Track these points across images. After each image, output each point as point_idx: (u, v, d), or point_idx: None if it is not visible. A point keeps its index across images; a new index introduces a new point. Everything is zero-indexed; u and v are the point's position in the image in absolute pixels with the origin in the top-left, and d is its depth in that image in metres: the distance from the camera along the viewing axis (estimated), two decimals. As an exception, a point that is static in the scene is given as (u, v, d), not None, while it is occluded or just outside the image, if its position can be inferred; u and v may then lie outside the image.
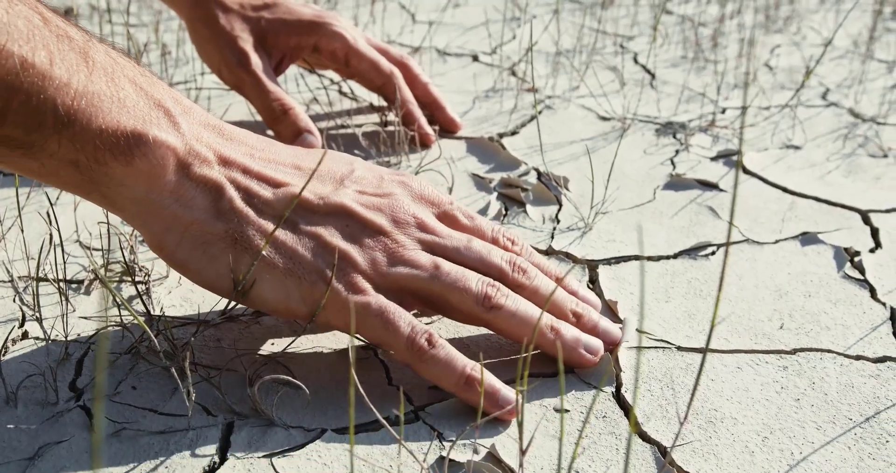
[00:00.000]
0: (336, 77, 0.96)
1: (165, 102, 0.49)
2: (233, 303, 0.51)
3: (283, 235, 0.50)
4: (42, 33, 0.44)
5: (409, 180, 0.56)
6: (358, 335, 0.51)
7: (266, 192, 0.50)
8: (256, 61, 0.77)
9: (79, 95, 0.45)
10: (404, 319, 0.49)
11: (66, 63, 0.45)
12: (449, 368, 0.49)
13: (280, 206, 0.50)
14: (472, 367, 0.49)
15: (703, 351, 0.37)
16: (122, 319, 0.54)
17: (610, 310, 0.59)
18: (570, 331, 0.52)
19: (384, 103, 0.86)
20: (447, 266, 0.51)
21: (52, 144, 0.45)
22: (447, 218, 0.55)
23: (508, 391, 0.49)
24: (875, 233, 0.69)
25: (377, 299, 0.49)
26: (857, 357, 0.55)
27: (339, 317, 0.49)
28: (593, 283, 0.62)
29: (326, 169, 0.54)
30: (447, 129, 0.84)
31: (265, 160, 0.52)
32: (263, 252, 0.49)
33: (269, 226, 0.49)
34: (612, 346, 0.54)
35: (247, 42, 0.78)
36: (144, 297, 0.58)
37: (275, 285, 0.49)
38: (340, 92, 0.92)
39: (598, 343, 0.53)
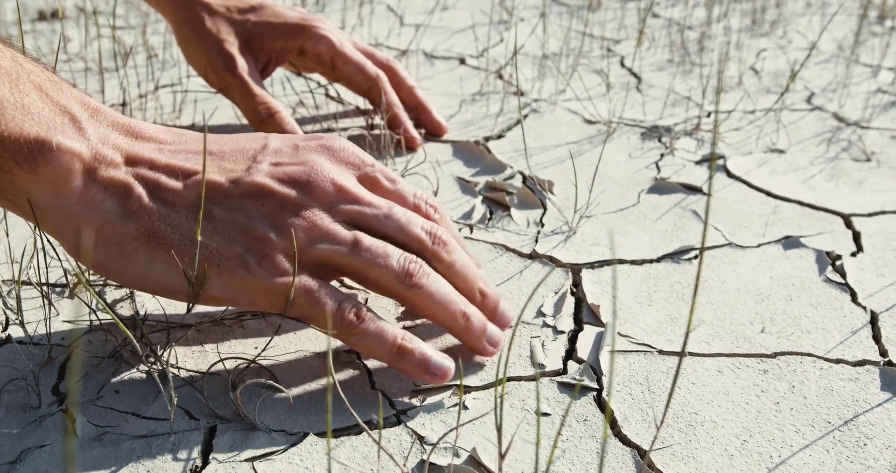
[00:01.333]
0: (322, 80, 0.96)
1: (71, 107, 0.48)
2: (222, 308, 0.51)
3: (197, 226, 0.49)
4: None
5: (327, 142, 0.55)
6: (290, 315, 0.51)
7: (176, 183, 0.50)
8: (242, 65, 0.77)
9: None
10: (331, 295, 0.49)
11: None
12: (380, 340, 0.50)
13: (191, 195, 0.50)
14: (402, 337, 0.50)
15: (681, 355, 0.38)
16: (102, 323, 0.54)
17: (593, 314, 0.59)
18: (478, 318, 0.53)
19: (370, 107, 0.87)
20: (367, 241, 0.51)
21: None
22: (369, 181, 0.54)
23: (441, 358, 0.50)
24: (857, 237, 0.70)
25: (300, 279, 0.49)
26: (837, 361, 0.55)
27: (264, 300, 0.49)
28: (577, 286, 0.62)
29: (238, 148, 0.53)
30: (433, 132, 0.85)
31: (175, 152, 0.51)
32: (178, 244, 0.48)
33: (180, 217, 0.49)
34: (505, 328, 0.55)
35: (233, 45, 0.78)
36: (127, 300, 0.58)
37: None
38: (327, 95, 0.92)
39: (500, 336, 0.54)
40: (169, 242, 0.48)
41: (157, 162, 0.50)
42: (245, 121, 0.83)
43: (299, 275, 0.49)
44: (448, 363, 0.50)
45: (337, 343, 0.55)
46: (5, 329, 0.55)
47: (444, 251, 0.53)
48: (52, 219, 0.48)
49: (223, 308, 0.58)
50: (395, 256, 0.51)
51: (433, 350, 0.50)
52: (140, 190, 0.49)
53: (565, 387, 0.52)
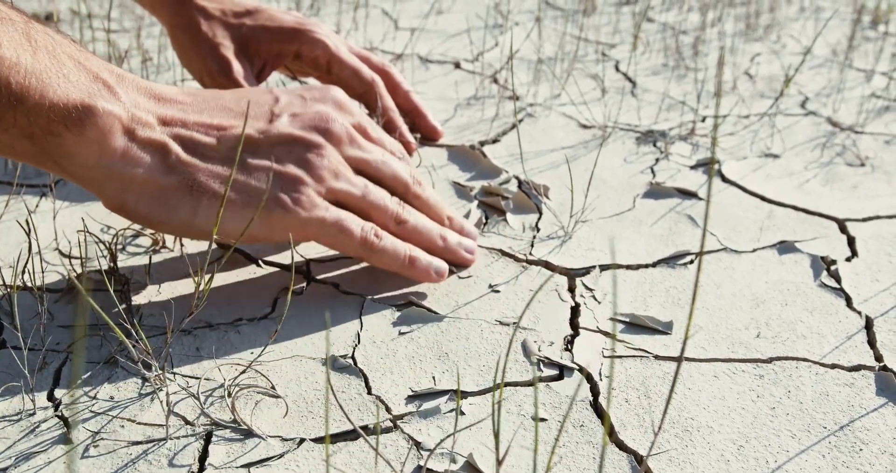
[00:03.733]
0: (317, 85, 0.96)
1: (103, 74, 0.52)
2: (197, 301, 0.51)
3: (235, 173, 0.54)
4: None
5: (326, 92, 0.63)
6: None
7: (209, 138, 0.55)
8: (238, 69, 0.77)
9: (28, 72, 0.48)
10: (355, 222, 0.58)
11: (12, 44, 0.48)
12: (395, 254, 0.59)
13: (223, 147, 0.55)
14: (410, 249, 0.60)
15: (678, 360, 0.38)
16: (100, 328, 0.54)
17: (589, 319, 0.59)
18: (453, 237, 0.64)
19: (365, 111, 0.86)
20: (372, 187, 0.60)
21: (7, 119, 0.48)
22: (359, 128, 0.62)
23: (440, 263, 0.61)
24: (851, 242, 0.70)
25: (329, 211, 0.57)
26: (833, 366, 0.56)
27: (299, 233, 0.57)
28: (572, 291, 0.62)
29: (255, 103, 0.59)
30: (429, 137, 0.85)
31: (199, 111, 0.56)
32: (219, 192, 0.54)
33: (218, 168, 0.55)
34: (475, 239, 0.66)
35: (228, 49, 0.78)
36: (122, 305, 0.58)
37: (236, 218, 0.54)
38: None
39: (473, 246, 0.65)
40: (210, 189, 0.54)
41: (187, 121, 0.55)
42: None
43: (327, 208, 0.57)
44: (445, 265, 0.61)
45: (334, 349, 0.55)
46: (0, 334, 0.55)
47: (421, 190, 0.63)
48: (98, 178, 0.52)
49: (222, 316, 0.58)
50: (390, 202, 0.60)
51: (433, 258, 0.61)
52: (177, 147, 0.54)
53: (562, 392, 0.52)
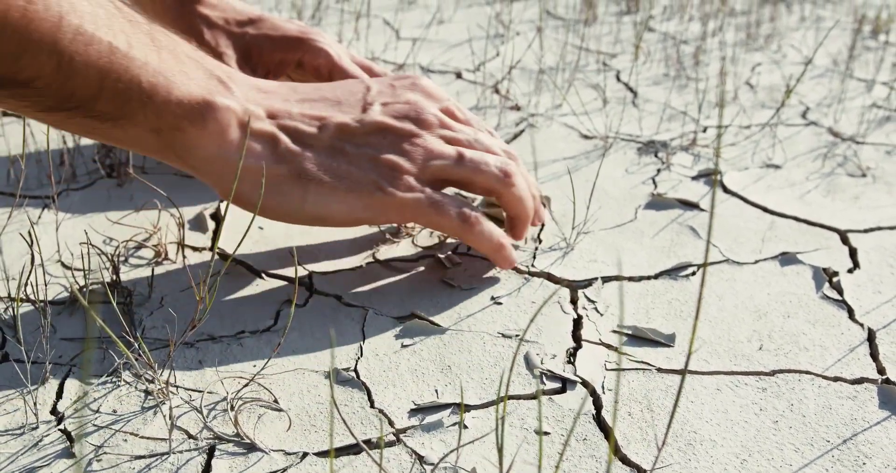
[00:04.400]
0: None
1: (216, 71, 0.57)
2: (199, 314, 0.51)
3: (337, 160, 0.59)
4: (118, 20, 0.51)
5: (416, 81, 0.65)
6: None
7: (311, 128, 0.59)
8: None
9: (156, 71, 0.52)
10: (452, 202, 0.60)
11: (141, 45, 0.52)
12: (489, 236, 0.62)
13: (325, 136, 0.59)
14: (501, 235, 0.62)
15: (682, 373, 0.38)
16: (102, 340, 0.54)
17: (592, 331, 0.59)
18: (539, 206, 0.67)
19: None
20: (468, 153, 0.62)
21: (137, 115, 0.52)
22: (448, 112, 0.65)
23: (515, 253, 0.64)
24: (853, 253, 0.70)
25: (425, 193, 0.60)
26: (835, 379, 0.56)
27: (399, 215, 0.60)
28: (575, 303, 0.62)
29: (348, 93, 0.63)
30: (430, 147, 0.85)
31: (301, 102, 0.61)
32: (325, 178, 0.58)
33: (322, 156, 0.58)
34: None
35: (231, 59, 0.78)
36: (125, 318, 0.58)
37: (340, 203, 0.58)
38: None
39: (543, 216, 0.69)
40: (316, 177, 0.58)
41: (292, 112, 0.59)
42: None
43: (423, 190, 0.59)
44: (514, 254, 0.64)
45: (337, 362, 0.55)
46: (2, 347, 0.55)
47: (516, 165, 0.64)
48: (216, 170, 0.56)
49: (224, 328, 0.58)
50: (493, 161, 0.62)
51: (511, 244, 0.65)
52: (284, 137, 0.58)
53: (565, 405, 0.52)
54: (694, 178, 0.81)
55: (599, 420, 0.51)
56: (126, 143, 0.55)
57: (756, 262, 0.68)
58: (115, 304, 0.50)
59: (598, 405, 0.53)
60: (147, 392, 0.52)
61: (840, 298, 0.64)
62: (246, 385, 0.52)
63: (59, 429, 0.49)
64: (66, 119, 0.52)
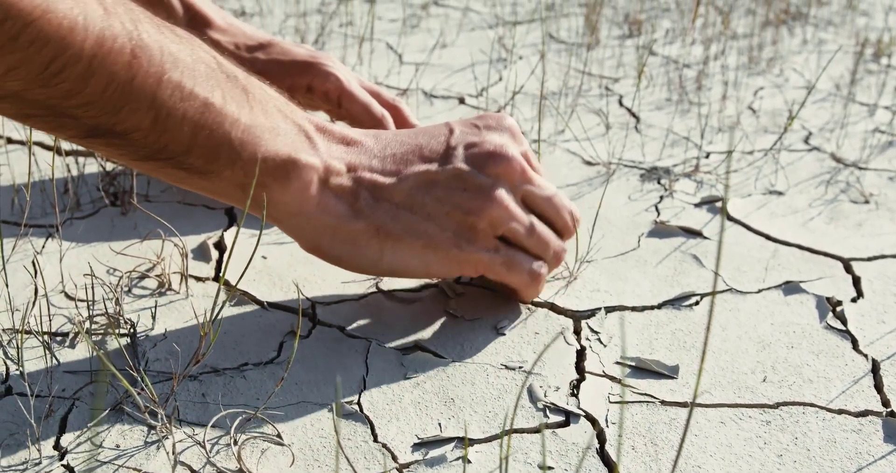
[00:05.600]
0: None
1: (305, 126, 0.57)
2: (203, 350, 0.51)
3: (415, 214, 0.59)
4: (216, 75, 0.52)
5: (500, 120, 0.64)
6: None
7: (390, 180, 0.59)
8: None
9: (246, 128, 0.53)
10: (524, 261, 0.61)
11: (234, 100, 0.52)
12: (540, 287, 0.63)
13: (406, 187, 0.59)
14: (543, 274, 0.63)
15: (690, 407, 0.38)
16: (105, 374, 0.54)
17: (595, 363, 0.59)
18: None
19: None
20: (538, 228, 0.62)
21: (225, 171, 0.53)
22: (527, 157, 0.63)
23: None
24: (857, 282, 0.70)
25: (500, 252, 0.60)
26: (840, 411, 0.55)
27: (473, 270, 0.61)
28: (578, 334, 0.62)
29: (431, 137, 0.62)
30: (434, 174, 0.85)
31: (382, 152, 0.60)
32: (402, 234, 0.59)
33: (399, 211, 0.59)
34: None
35: None
36: (128, 350, 0.58)
37: (417, 258, 0.59)
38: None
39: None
40: (394, 233, 0.58)
41: (373, 167, 0.59)
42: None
43: (497, 248, 0.60)
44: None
45: (341, 395, 0.55)
46: (5, 380, 0.55)
47: (576, 226, 0.65)
48: (298, 224, 0.57)
49: (228, 361, 0.58)
50: (553, 244, 0.63)
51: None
52: (364, 193, 0.58)
53: (568, 439, 0.52)
54: (697, 205, 0.81)
55: (603, 455, 0.51)
56: (214, 193, 0.56)
57: (759, 291, 0.68)
58: (117, 339, 0.50)
59: (601, 438, 0.52)
60: (150, 426, 0.52)
61: (844, 328, 0.64)
62: (249, 420, 0.52)
63: (62, 464, 0.49)
64: (158, 168, 0.53)
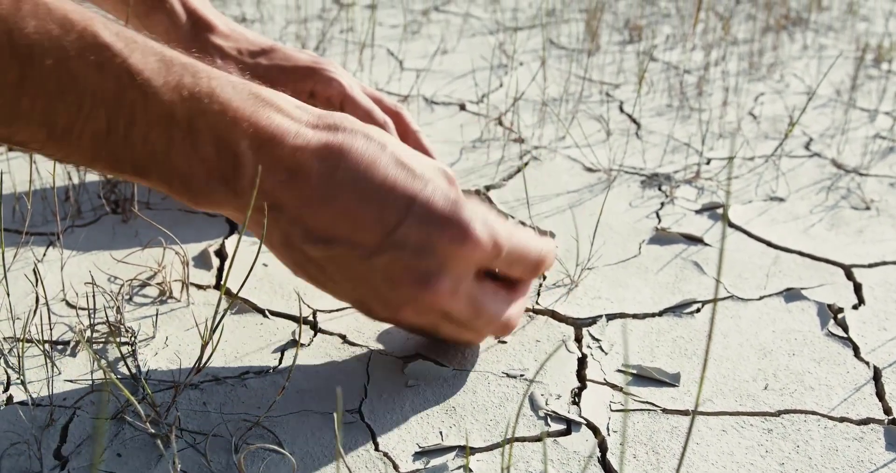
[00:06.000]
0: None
1: (240, 148, 0.52)
2: (205, 359, 0.51)
3: (355, 281, 0.54)
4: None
5: (463, 233, 0.53)
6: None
7: (314, 247, 0.53)
8: None
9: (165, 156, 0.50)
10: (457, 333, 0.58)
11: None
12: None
13: (327, 260, 0.54)
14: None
15: (692, 414, 0.38)
16: (107, 383, 0.54)
17: (597, 371, 0.59)
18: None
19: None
20: (484, 312, 0.56)
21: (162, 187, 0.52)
22: (493, 240, 0.55)
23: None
24: (858, 289, 0.70)
25: (431, 318, 0.56)
26: (841, 419, 0.55)
27: (405, 327, 0.59)
28: (579, 342, 0.62)
29: (380, 208, 0.53)
30: (435, 181, 0.85)
31: (322, 201, 0.53)
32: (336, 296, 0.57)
33: (325, 275, 0.55)
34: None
35: None
36: (130, 359, 0.58)
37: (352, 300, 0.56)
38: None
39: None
40: (328, 289, 0.56)
41: (301, 217, 0.53)
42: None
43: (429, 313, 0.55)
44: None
45: (342, 404, 0.55)
46: (7, 390, 0.55)
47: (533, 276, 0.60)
48: (270, 244, 0.55)
49: (229, 369, 0.58)
50: (501, 320, 0.57)
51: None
52: (290, 232, 0.53)
53: (570, 447, 0.52)
54: (698, 212, 0.81)
55: (605, 463, 0.51)
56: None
57: (761, 298, 0.68)
58: (118, 348, 0.50)
59: (603, 447, 0.52)
60: (152, 435, 0.52)
61: (845, 335, 0.64)
62: (250, 429, 0.52)
63: (64, 474, 0.49)
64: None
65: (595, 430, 0.54)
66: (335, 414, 0.54)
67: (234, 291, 0.66)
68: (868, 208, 0.83)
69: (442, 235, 0.53)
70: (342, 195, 0.53)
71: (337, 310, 0.65)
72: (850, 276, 0.72)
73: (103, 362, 0.50)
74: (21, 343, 0.54)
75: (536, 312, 0.65)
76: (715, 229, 0.78)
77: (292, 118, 0.54)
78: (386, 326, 0.63)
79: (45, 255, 0.70)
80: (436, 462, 0.51)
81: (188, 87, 0.50)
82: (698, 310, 0.66)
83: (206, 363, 0.52)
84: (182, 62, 0.51)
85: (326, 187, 0.53)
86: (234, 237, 0.74)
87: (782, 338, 0.63)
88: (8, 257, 0.68)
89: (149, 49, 0.49)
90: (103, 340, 0.60)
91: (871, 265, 0.73)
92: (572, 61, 1.21)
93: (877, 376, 0.60)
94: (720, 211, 0.81)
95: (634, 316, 0.65)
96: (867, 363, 0.61)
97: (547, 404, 0.56)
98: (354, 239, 0.53)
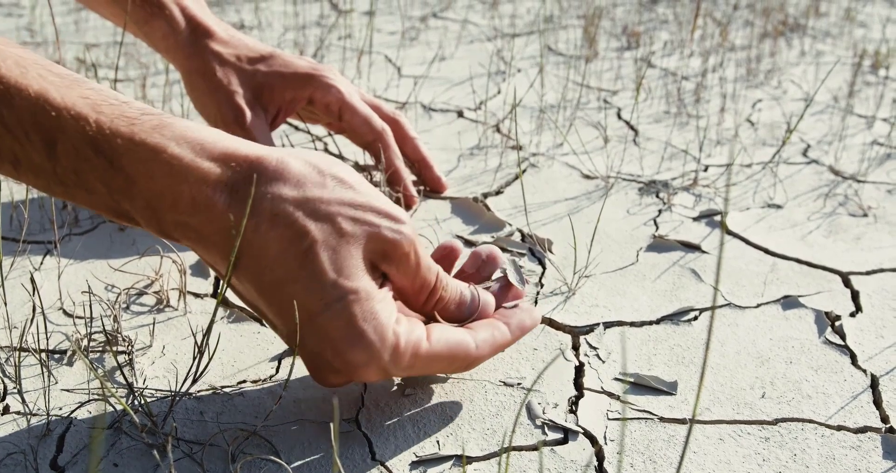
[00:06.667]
0: (322, 133, 0.96)
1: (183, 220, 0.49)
2: (201, 368, 0.51)
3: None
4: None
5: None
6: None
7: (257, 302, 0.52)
8: (252, 119, 0.78)
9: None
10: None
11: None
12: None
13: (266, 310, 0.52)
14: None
15: (690, 422, 0.38)
16: (104, 392, 0.54)
17: (593, 379, 0.59)
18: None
19: (370, 162, 0.87)
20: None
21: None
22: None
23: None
24: (855, 296, 0.70)
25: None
26: (839, 428, 0.55)
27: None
28: (576, 350, 0.62)
29: (308, 288, 0.49)
30: (433, 188, 0.85)
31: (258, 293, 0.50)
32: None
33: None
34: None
35: (243, 98, 0.78)
36: (126, 368, 0.58)
37: None
38: (326, 150, 0.93)
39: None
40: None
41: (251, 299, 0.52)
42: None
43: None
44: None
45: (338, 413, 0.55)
46: (3, 399, 0.55)
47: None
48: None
49: (226, 378, 0.58)
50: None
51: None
52: None
53: (567, 457, 0.52)
54: (695, 219, 0.81)
55: (602, 472, 0.51)
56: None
57: (758, 306, 0.68)
58: (115, 357, 0.50)
59: (600, 456, 0.52)
60: (148, 445, 0.51)
61: (842, 343, 0.64)
62: (247, 438, 0.52)
63: (60, 484, 0.49)
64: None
65: (592, 439, 0.54)
66: (332, 424, 0.53)
67: (231, 300, 0.66)
68: (865, 215, 0.83)
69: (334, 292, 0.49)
70: (276, 265, 0.49)
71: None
72: (847, 283, 0.72)
73: (100, 371, 0.50)
74: (18, 352, 0.54)
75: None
76: (712, 236, 0.78)
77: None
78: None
79: (42, 263, 0.70)
80: (433, 471, 0.51)
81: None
82: (696, 318, 0.66)
83: (202, 372, 0.52)
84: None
85: (258, 265, 0.50)
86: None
87: (779, 346, 0.63)
88: (5, 266, 0.68)
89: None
90: (100, 349, 0.60)
91: (868, 273, 0.73)
92: (570, 68, 1.21)
93: (874, 384, 0.60)
94: (718, 218, 0.81)
95: (632, 324, 0.65)
96: (864, 371, 0.61)
97: (544, 412, 0.56)
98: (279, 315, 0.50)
